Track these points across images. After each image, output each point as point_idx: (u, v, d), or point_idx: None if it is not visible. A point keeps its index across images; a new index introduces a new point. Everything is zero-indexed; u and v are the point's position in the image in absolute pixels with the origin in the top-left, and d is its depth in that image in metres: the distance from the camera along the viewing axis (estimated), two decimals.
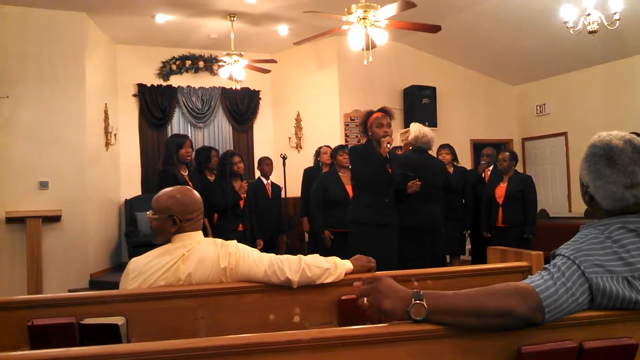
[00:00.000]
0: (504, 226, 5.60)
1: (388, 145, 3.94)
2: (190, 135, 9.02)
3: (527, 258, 2.39)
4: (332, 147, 6.12)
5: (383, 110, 4.13)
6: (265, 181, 6.18)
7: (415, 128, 4.78)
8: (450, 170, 5.99)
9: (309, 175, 6.26)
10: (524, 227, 5.51)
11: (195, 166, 5.37)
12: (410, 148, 4.76)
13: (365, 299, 1.32)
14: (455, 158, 6.14)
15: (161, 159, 5.01)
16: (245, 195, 5.24)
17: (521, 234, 5.49)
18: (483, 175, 6.31)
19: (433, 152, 6.22)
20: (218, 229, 4.96)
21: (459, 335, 1.30)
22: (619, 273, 1.34)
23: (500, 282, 1.36)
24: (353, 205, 4.30)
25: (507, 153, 5.77)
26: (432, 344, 1.30)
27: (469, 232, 6.34)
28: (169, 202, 2.15)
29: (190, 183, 4.69)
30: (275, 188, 6.30)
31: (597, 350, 1.33)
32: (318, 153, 6.42)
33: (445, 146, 6.19)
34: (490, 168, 6.31)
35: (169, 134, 8.31)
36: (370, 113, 4.16)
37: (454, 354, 1.31)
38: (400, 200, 4.23)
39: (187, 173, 4.83)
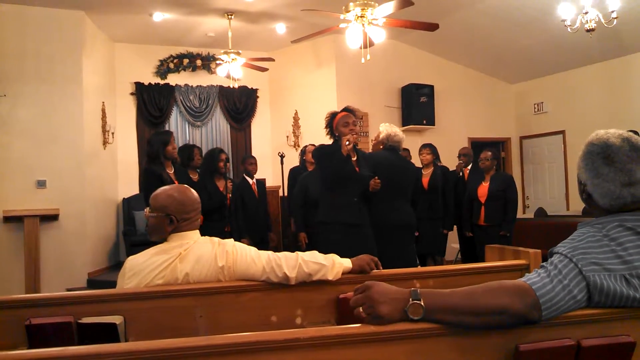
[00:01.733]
0: (486, 225, 5.63)
1: (348, 143, 3.93)
2: (188, 133, 9.04)
3: (525, 256, 2.40)
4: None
5: (347, 109, 4.13)
6: (250, 181, 6.12)
7: (387, 127, 4.73)
8: (431, 169, 5.94)
9: (295, 175, 6.21)
10: (502, 225, 5.55)
11: (180, 163, 5.32)
12: (381, 147, 4.72)
13: (361, 308, 1.31)
14: (437, 158, 6.06)
15: (145, 158, 4.88)
16: (230, 195, 5.18)
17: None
18: (461, 175, 6.28)
19: (415, 152, 6.22)
20: (205, 230, 4.85)
21: (456, 334, 1.30)
22: (616, 271, 1.34)
23: (498, 280, 1.36)
24: (321, 205, 4.22)
25: (489, 152, 5.79)
26: (429, 343, 1.30)
27: (448, 231, 6.29)
28: (167, 201, 2.15)
29: (176, 182, 4.56)
30: (261, 186, 6.24)
31: (595, 348, 1.33)
32: (303, 152, 6.36)
33: (426, 146, 6.12)
34: (469, 167, 6.30)
35: None
36: (335, 114, 4.16)
37: (452, 353, 1.31)
38: (370, 200, 4.19)
39: (172, 171, 4.72)
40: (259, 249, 2.25)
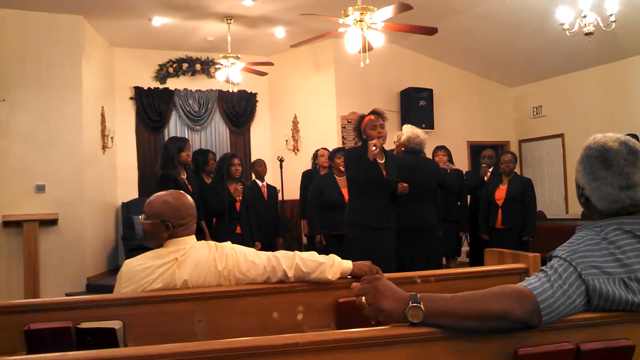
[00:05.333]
0: (503, 228, 5.60)
1: (374, 148, 3.95)
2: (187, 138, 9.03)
3: (524, 260, 2.40)
4: (330, 150, 6.12)
5: (375, 112, 4.17)
6: (260, 183, 6.16)
7: (408, 129, 4.79)
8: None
9: (307, 178, 6.26)
10: (524, 229, 5.50)
11: (194, 169, 5.37)
12: (403, 149, 4.75)
13: (364, 297, 1.32)
14: (450, 160, 6.11)
15: (159, 162, 4.96)
16: (241, 198, 5.21)
17: (520, 236, 5.50)
18: (486, 178, 6.27)
19: (429, 154, 6.24)
20: (216, 233, 4.96)
21: (456, 338, 1.30)
22: (615, 274, 1.34)
23: (498, 284, 1.36)
24: (349, 208, 4.31)
25: (509, 155, 5.77)
26: (429, 347, 1.30)
27: (465, 234, 6.32)
28: (162, 208, 2.14)
29: (190, 187, 4.69)
30: (271, 190, 6.29)
31: (594, 352, 1.33)
32: (315, 156, 6.43)
33: (441, 147, 6.18)
34: (490, 170, 6.29)
35: (166, 137, 8.30)
36: (363, 117, 4.21)
37: (451, 357, 1.31)
38: (395, 202, 4.23)
39: (185, 176, 4.82)
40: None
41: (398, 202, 4.25)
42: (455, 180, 5.84)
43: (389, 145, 5.38)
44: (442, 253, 5.85)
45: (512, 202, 5.57)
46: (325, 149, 6.31)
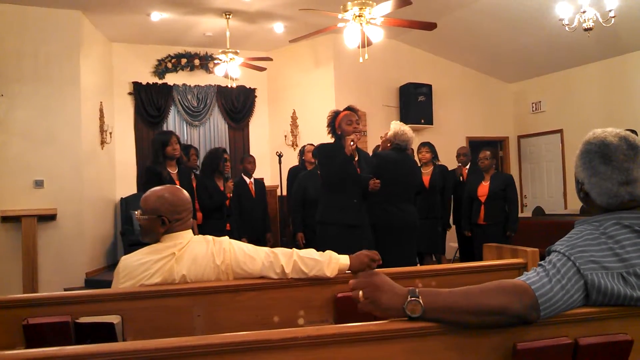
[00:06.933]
0: (485, 224, 5.65)
1: (352, 143, 3.91)
2: (186, 133, 9.03)
3: (523, 255, 2.40)
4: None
5: (350, 108, 4.13)
6: (247, 180, 6.10)
7: (396, 125, 4.72)
8: (431, 168, 5.98)
9: (294, 174, 6.20)
10: (506, 225, 5.59)
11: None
12: (389, 145, 4.72)
13: (361, 292, 1.31)
14: (435, 156, 6.08)
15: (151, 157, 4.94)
16: (231, 195, 5.19)
17: (502, 231, 5.57)
18: (461, 179, 6.32)
19: (414, 150, 6.23)
20: (204, 230, 4.90)
21: (454, 333, 1.30)
22: (614, 269, 1.34)
23: (496, 279, 1.36)
24: (321, 205, 4.21)
25: (488, 152, 5.81)
26: (427, 341, 1.30)
27: (447, 230, 6.34)
28: (157, 203, 2.13)
29: (177, 182, 4.59)
30: (260, 186, 6.21)
31: (592, 346, 1.33)
32: (302, 151, 6.37)
33: (425, 144, 6.14)
34: (467, 167, 6.32)
35: None
36: (337, 112, 4.15)
37: (449, 351, 1.31)
38: (367, 199, 4.17)
39: (176, 171, 4.73)
40: None
41: (369, 199, 4.17)
42: (439, 179, 5.89)
43: (377, 141, 5.37)
44: (429, 250, 5.89)
45: (494, 199, 5.65)
46: (312, 144, 6.22)
